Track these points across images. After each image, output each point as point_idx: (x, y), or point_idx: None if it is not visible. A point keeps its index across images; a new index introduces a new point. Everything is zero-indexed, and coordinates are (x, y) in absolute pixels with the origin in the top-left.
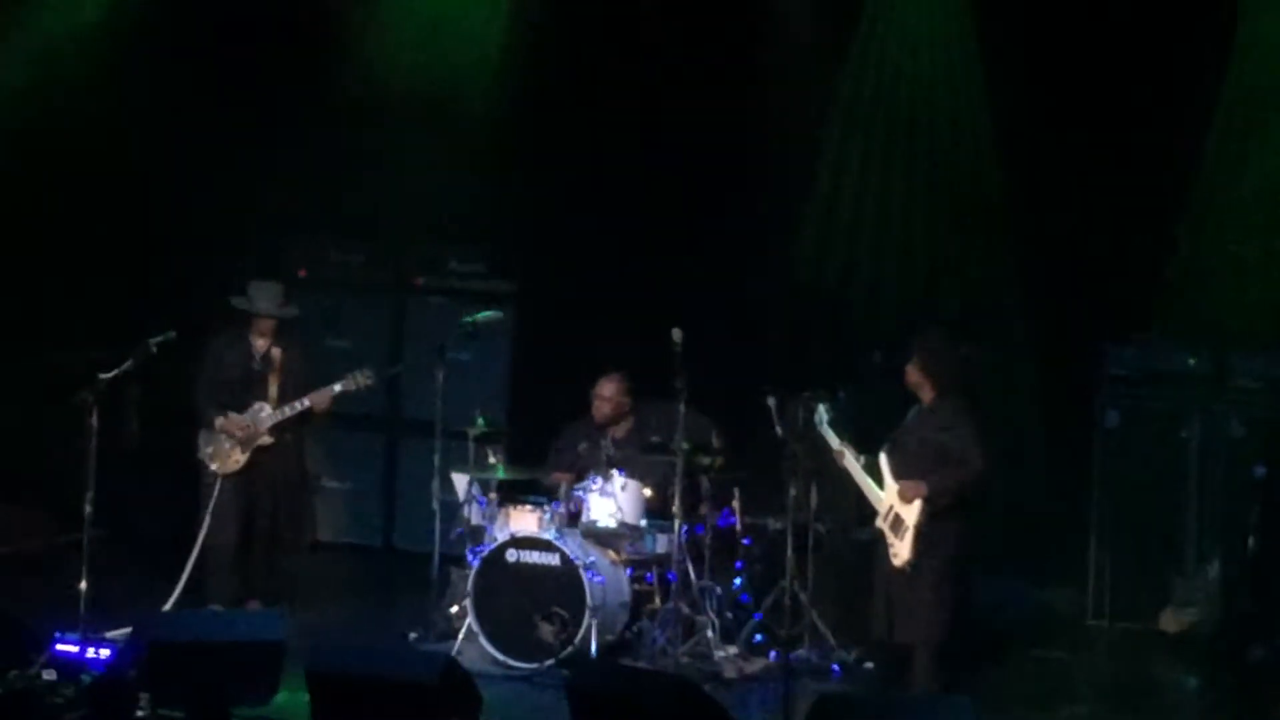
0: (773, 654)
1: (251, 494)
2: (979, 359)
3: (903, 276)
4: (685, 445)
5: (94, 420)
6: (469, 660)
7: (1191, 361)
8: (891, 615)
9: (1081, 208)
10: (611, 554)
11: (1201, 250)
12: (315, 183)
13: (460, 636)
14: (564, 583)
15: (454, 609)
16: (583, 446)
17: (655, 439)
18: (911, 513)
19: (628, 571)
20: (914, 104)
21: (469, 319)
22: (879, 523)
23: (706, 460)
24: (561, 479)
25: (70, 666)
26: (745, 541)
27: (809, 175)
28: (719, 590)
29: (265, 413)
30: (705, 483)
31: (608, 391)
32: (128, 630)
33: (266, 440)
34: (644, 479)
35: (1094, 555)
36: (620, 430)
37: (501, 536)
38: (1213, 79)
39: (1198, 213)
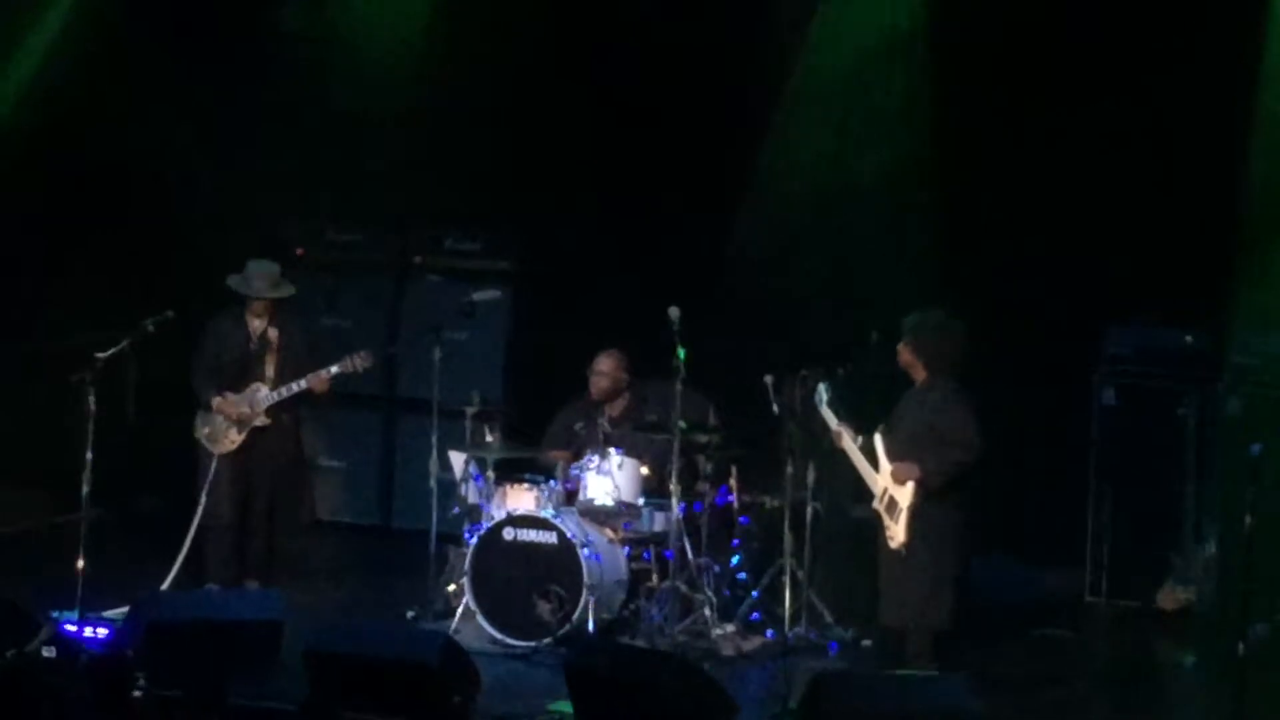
0: (770, 632)
1: (248, 474)
2: (970, 339)
3: (898, 255)
4: (682, 424)
5: (91, 400)
6: (467, 639)
7: (1189, 339)
8: (890, 597)
9: (1080, 185)
10: (609, 532)
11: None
12: (313, 162)
13: (458, 615)
14: (561, 561)
15: (451, 587)
16: (579, 425)
17: (652, 417)
18: (906, 495)
19: (625, 550)
20: (910, 77)
21: (468, 297)
22: (875, 505)
23: (703, 438)
24: (558, 457)
25: (68, 646)
26: (742, 520)
27: (806, 150)
28: (717, 568)
29: (262, 393)
30: (703, 461)
31: (605, 366)
32: (125, 610)
33: (263, 421)
34: (641, 457)
35: (1091, 533)
36: (617, 408)
37: (499, 515)
38: (1232, 53)
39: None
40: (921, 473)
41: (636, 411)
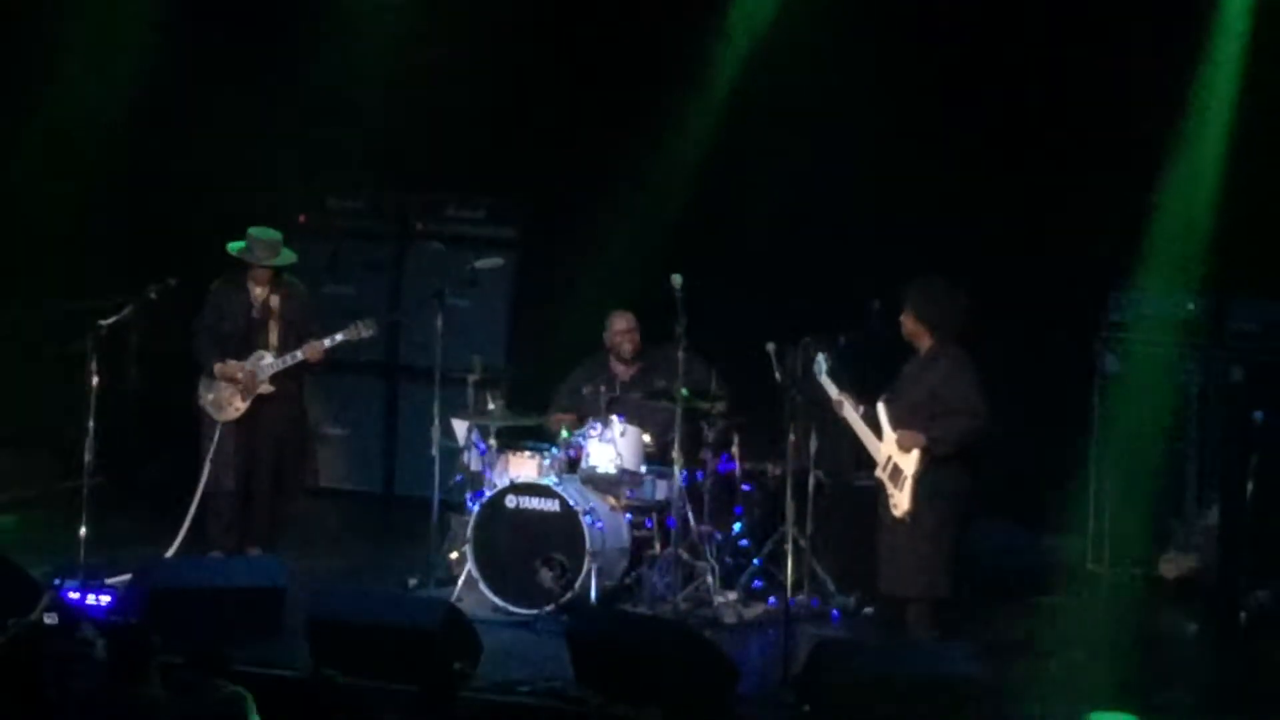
0: (772, 600)
1: (252, 441)
2: (974, 306)
3: (900, 222)
4: (685, 391)
5: (94, 367)
6: (469, 606)
7: (1190, 306)
8: (892, 566)
9: (1082, 151)
10: (611, 500)
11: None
12: (315, 128)
13: (460, 582)
14: (564, 529)
15: (454, 555)
16: (587, 389)
17: (661, 383)
18: (910, 463)
19: (627, 517)
20: (909, 50)
21: (470, 264)
22: (878, 473)
23: (708, 405)
24: (563, 420)
25: (70, 613)
26: (745, 487)
27: (809, 116)
28: (719, 536)
29: (266, 360)
30: (708, 428)
31: (626, 324)
32: (128, 577)
33: (267, 388)
34: (645, 423)
35: (1093, 501)
36: (628, 373)
37: (501, 482)
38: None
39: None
40: (927, 440)
41: (647, 376)
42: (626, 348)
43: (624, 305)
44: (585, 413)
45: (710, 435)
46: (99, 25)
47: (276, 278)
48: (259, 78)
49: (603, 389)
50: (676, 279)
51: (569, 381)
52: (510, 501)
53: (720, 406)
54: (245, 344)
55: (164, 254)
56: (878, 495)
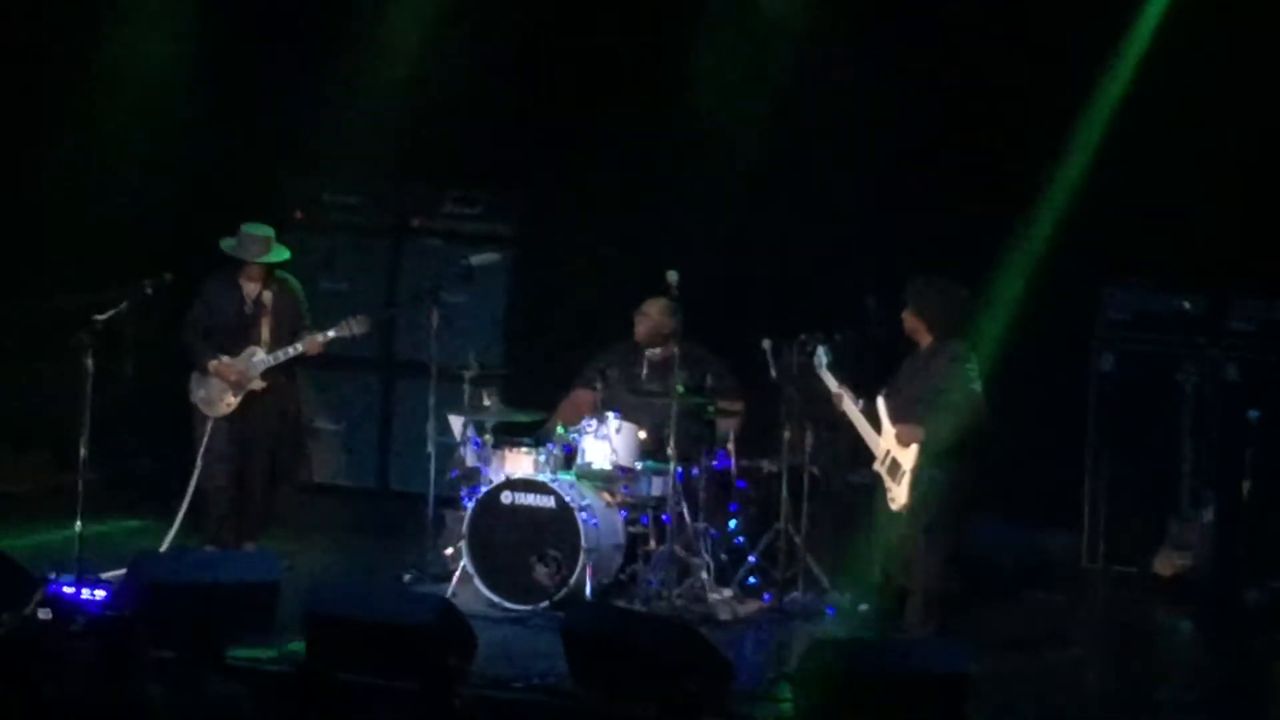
0: (767, 596)
1: (245, 436)
2: (972, 302)
3: (899, 221)
4: (680, 387)
5: (89, 362)
6: (464, 602)
7: (1186, 305)
8: (889, 559)
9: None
10: (606, 496)
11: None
12: (311, 124)
13: (455, 578)
14: (559, 525)
15: (449, 551)
16: (610, 369)
17: (683, 375)
18: (908, 457)
19: (623, 514)
20: (907, 48)
21: (466, 260)
22: (876, 467)
23: (711, 406)
24: (583, 396)
25: (66, 607)
26: (740, 484)
27: (808, 114)
28: (714, 532)
29: (258, 357)
30: (720, 426)
31: (651, 309)
32: (122, 572)
33: (259, 384)
34: (646, 419)
35: (1089, 498)
36: (659, 355)
37: (497, 478)
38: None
39: None
40: (924, 435)
41: (670, 365)
42: (639, 328)
43: (622, 303)
44: (610, 390)
45: (726, 433)
46: (107, 25)
47: (269, 274)
48: (257, 75)
49: (608, 379)
50: (672, 275)
51: (591, 362)
52: (506, 497)
53: (737, 406)
54: (237, 340)
55: (161, 249)
56: (874, 488)
